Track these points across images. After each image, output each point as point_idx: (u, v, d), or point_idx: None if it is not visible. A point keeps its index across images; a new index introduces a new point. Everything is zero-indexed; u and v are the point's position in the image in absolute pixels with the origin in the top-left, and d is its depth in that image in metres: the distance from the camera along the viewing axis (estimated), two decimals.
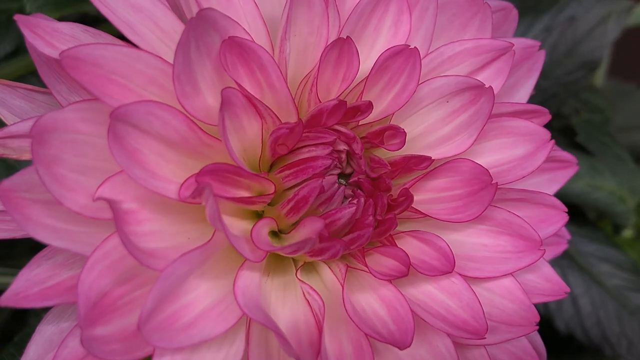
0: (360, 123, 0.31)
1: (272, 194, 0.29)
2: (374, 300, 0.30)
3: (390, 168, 0.31)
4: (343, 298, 0.28)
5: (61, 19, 0.28)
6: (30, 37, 0.26)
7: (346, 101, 0.30)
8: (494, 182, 0.31)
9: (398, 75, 0.31)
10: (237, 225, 0.28)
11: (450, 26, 0.34)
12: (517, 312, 0.31)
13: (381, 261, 0.30)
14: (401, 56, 0.30)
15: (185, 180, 0.25)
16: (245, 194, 0.28)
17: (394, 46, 0.30)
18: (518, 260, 0.31)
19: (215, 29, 0.26)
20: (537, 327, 0.31)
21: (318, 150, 0.29)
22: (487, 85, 0.31)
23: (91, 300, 0.23)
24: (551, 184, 0.36)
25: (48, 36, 0.27)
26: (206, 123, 0.27)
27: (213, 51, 0.26)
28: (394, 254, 0.30)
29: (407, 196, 0.30)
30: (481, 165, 0.31)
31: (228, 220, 0.28)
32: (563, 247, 0.38)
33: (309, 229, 0.27)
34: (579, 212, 0.61)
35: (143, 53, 0.26)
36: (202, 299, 0.25)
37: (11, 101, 0.28)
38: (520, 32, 0.59)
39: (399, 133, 0.31)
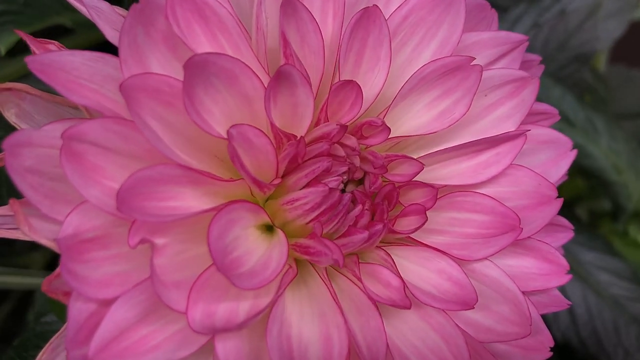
0: None
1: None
2: None
3: (423, 165, 0.28)
4: None
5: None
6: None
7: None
8: (559, 197, 0.28)
9: (435, 28, 0.29)
10: None
11: None
12: (533, 335, 0.28)
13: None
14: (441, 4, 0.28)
15: (132, 225, 0.22)
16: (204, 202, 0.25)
17: None
18: (546, 281, 0.29)
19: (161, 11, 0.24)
20: (552, 354, 0.28)
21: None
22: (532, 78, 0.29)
23: (79, 323, 0.23)
24: None
25: None
26: None
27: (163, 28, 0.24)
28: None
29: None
30: (545, 178, 0.29)
31: None
32: None
33: None
34: (577, 218, 0.59)
35: (110, 57, 0.24)
36: (162, 328, 0.23)
37: (20, 103, 0.28)
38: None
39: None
